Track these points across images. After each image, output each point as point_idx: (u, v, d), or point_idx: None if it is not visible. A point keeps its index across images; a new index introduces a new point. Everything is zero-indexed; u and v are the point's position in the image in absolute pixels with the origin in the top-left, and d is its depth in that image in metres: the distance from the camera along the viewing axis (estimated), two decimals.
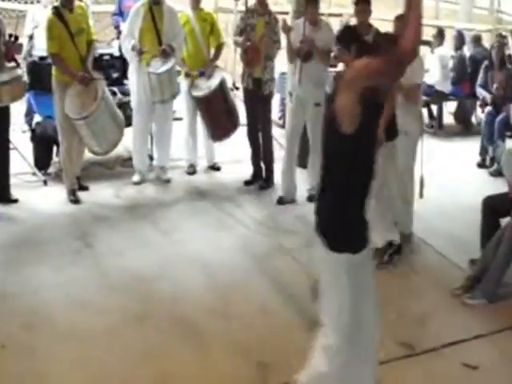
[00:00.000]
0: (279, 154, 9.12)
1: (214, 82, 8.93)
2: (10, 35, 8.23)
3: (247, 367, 5.29)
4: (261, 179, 9.25)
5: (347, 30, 4.97)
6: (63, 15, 8.39)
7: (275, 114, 11.14)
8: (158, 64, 8.73)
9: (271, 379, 5.18)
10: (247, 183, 9.24)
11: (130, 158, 9.52)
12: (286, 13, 10.98)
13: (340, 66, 8.98)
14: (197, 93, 8.99)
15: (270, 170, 9.22)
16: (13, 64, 8.46)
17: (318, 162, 8.29)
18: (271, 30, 8.83)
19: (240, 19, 9.21)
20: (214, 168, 9.80)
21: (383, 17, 12.39)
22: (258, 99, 8.99)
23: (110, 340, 5.63)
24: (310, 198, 8.45)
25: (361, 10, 8.08)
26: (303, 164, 8.92)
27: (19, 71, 8.41)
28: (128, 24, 9.09)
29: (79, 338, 5.62)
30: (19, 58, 9.22)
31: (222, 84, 8.94)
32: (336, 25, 11.17)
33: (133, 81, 9.15)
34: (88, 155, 9.12)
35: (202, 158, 9.81)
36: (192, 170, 9.64)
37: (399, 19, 7.08)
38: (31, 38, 11.40)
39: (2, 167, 8.57)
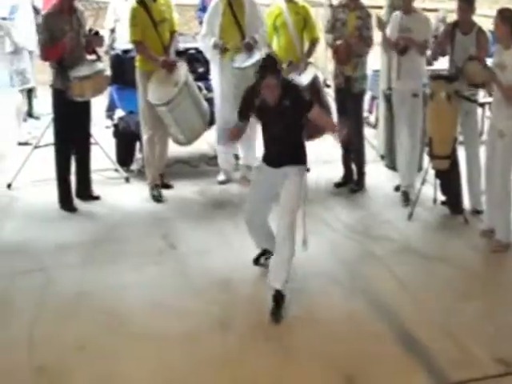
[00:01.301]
0: (371, 155, 9.15)
1: (306, 79, 8.97)
2: (90, 30, 8.48)
3: (331, 377, 5.32)
4: (351, 181, 9.28)
5: None
6: (147, 4, 8.62)
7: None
8: (242, 58, 8.81)
9: None
10: (338, 185, 9.26)
11: (215, 157, 9.64)
12: (380, 7, 10.98)
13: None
14: None
15: (361, 172, 9.23)
16: (94, 57, 8.66)
17: (416, 155, 8.48)
18: (363, 26, 8.79)
19: (330, 14, 9.23)
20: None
21: (485, 13, 12.22)
22: (348, 97, 9.01)
23: (189, 344, 5.73)
24: (405, 197, 8.58)
25: (461, 8, 8.02)
26: (391, 164, 8.90)
27: (101, 65, 8.58)
28: (207, 21, 9.19)
29: (157, 341, 5.75)
30: (100, 51, 9.41)
31: (315, 81, 8.98)
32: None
33: (215, 78, 9.25)
34: (172, 154, 9.29)
35: None
36: None
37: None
38: (113, 31, 11.68)
39: (83, 164, 8.81)
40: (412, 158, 8.67)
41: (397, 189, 8.90)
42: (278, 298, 6.14)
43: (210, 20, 9.10)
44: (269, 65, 6.32)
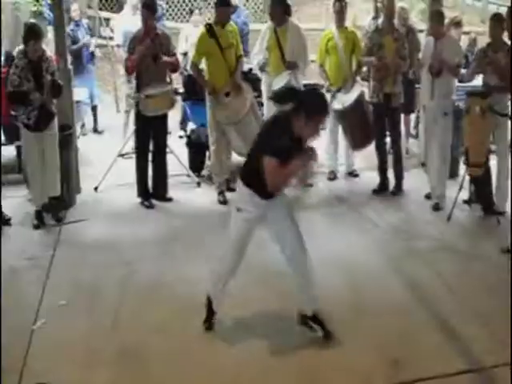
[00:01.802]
0: (411, 163, 9.12)
1: (352, 96, 8.94)
2: (157, 55, 8.54)
3: (379, 362, 5.30)
4: (386, 189, 9.20)
5: None
6: (215, 31, 8.67)
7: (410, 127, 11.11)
8: (279, 81, 8.85)
9: (402, 376, 5.16)
10: (375, 192, 9.21)
11: None
12: (421, 31, 10.94)
13: None
14: (337, 106, 9.06)
15: (400, 177, 9.16)
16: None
17: (445, 171, 8.36)
18: (400, 46, 8.83)
19: (368, 39, 9.22)
20: (353, 175, 9.84)
21: None
22: (387, 112, 9.00)
23: (252, 333, 5.77)
24: (436, 206, 8.47)
25: (492, 27, 8.01)
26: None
27: (169, 86, 8.70)
28: (258, 43, 9.39)
29: (228, 327, 5.83)
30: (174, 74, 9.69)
31: (360, 98, 8.95)
32: (464, 42, 11.04)
33: (264, 95, 9.42)
34: (236, 160, 9.33)
35: (342, 165, 9.87)
36: (333, 176, 9.70)
37: None
38: (185, 54, 11.78)
39: (161, 169, 8.93)
40: (442, 171, 8.59)
41: (427, 197, 8.80)
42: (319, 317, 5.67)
43: (260, 42, 9.32)
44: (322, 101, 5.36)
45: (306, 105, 5.19)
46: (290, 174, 5.24)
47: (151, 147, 8.93)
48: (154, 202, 8.87)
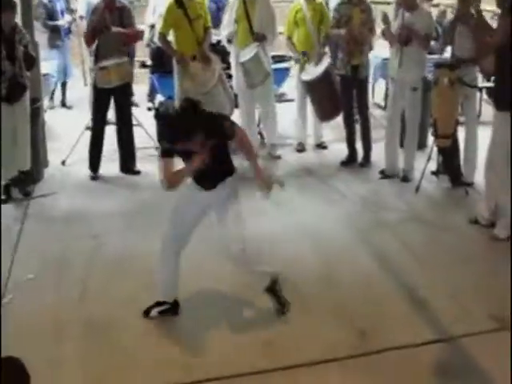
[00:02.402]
0: (380, 134, 9.13)
1: (321, 68, 8.94)
2: (106, 26, 8.46)
3: (348, 332, 5.33)
4: (354, 160, 9.23)
5: None
6: (183, 2, 8.63)
7: (379, 98, 11.12)
8: (246, 53, 8.84)
9: (369, 344, 5.19)
10: (343, 163, 9.22)
11: None
12: (388, 3, 10.92)
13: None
14: (305, 77, 9.05)
15: (368, 149, 9.20)
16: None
17: (414, 144, 8.38)
18: (367, 18, 8.82)
19: (334, 11, 9.18)
20: (321, 146, 9.85)
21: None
22: (354, 84, 8.99)
23: (222, 302, 5.83)
24: (405, 178, 8.49)
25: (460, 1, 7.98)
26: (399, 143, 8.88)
27: (125, 58, 8.62)
28: (227, 15, 9.33)
29: (194, 299, 5.84)
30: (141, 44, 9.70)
31: (329, 70, 8.95)
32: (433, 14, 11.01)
33: (232, 67, 9.38)
34: None
35: (310, 137, 9.86)
36: (301, 148, 9.71)
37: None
38: (152, 26, 11.69)
39: (127, 142, 8.90)
40: (410, 144, 8.62)
41: (382, 172, 8.79)
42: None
43: (228, 14, 9.27)
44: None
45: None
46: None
47: (115, 120, 8.90)
48: (121, 175, 8.83)
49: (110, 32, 8.45)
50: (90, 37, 8.64)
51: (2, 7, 7.61)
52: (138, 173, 8.91)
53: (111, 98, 8.70)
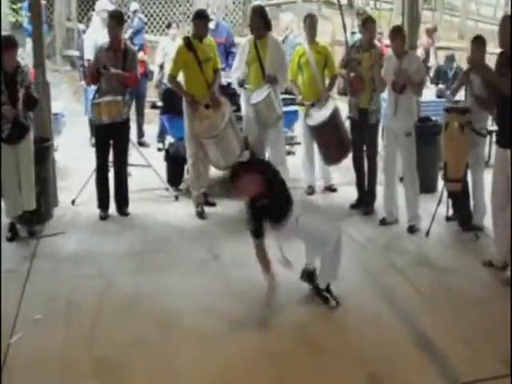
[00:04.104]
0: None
1: (326, 112, 8.97)
2: (104, 67, 8.58)
3: (357, 374, 5.33)
4: (364, 204, 9.17)
5: None
6: (193, 44, 8.72)
7: None
8: (258, 94, 8.91)
9: None
10: (352, 207, 9.19)
11: None
12: None
13: None
14: (311, 122, 9.09)
15: (372, 196, 9.11)
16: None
17: (415, 192, 8.33)
18: (376, 64, 8.69)
19: (346, 54, 9.25)
20: (331, 189, 9.87)
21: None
22: (363, 128, 8.94)
23: (233, 342, 5.79)
24: (411, 229, 8.33)
25: (474, 50, 7.86)
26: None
27: (119, 98, 8.58)
28: (237, 57, 9.41)
29: (206, 339, 5.81)
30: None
31: (335, 113, 8.95)
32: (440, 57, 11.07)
33: (243, 109, 9.37)
34: (214, 174, 9.38)
35: (319, 180, 9.89)
36: (310, 191, 9.72)
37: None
38: (161, 67, 11.82)
39: (118, 182, 8.99)
40: (411, 192, 8.44)
41: (382, 222, 8.65)
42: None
43: (239, 57, 9.29)
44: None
45: None
46: None
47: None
48: (133, 214, 8.93)
49: (109, 73, 8.57)
50: (91, 76, 8.83)
51: (4, 47, 7.69)
52: (126, 215, 8.93)
53: (110, 136, 8.78)
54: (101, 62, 8.59)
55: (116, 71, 8.58)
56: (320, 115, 8.97)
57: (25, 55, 8.59)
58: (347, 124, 9.26)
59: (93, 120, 9.02)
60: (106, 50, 8.70)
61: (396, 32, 8.35)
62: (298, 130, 10.09)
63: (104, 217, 8.83)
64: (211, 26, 9.92)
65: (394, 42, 8.26)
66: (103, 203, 8.89)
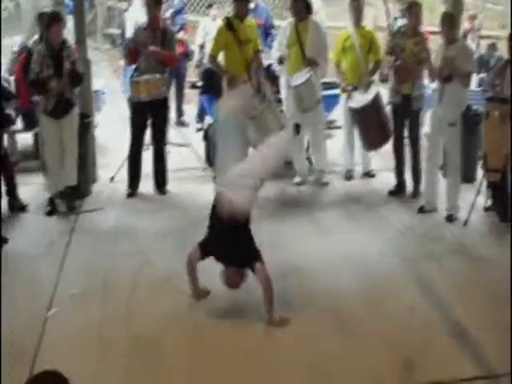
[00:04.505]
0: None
1: (368, 97, 8.93)
2: (143, 45, 8.64)
3: (392, 363, 5.31)
4: (402, 191, 9.13)
5: None
6: (233, 25, 8.70)
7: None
8: (298, 77, 8.88)
9: (414, 376, 5.17)
10: (391, 193, 9.14)
11: (290, 162, 9.68)
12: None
13: None
14: (352, 104, 9.05)
15: (417, 182, 9.04)
16: None
17: (457, 182, 8.24)
18: (420, 51, 8.59)
19: (390, 40, 9.17)
20: (369, 175, 9.83)
21: None
22: (406, 115, 8.88)
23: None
24: (449, 218, 8.23)
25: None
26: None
27: (157, 75, 8.64)
28: (278, 40, 9.41)
29: (240, 318, 5.85)
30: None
31: (377, 98, 8.92)
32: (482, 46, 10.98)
33: (283, 92, 9.40)
34: None
35: (358, 165, 9.86)
36: (349, 176, 9.69)
37: None
38: (202, 47, 11.81)
39: (156, 161, 9.04)
40: (454, 181, 8.34)
41: (421, 209, 8.53)
42: None
43: (280, 39, 9.28)
44: None
45: None
46: None
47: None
48: (170, 193, 8.97)
49: (148, 51, 8.59)
50: (130, 55, 8.89)
51: (51, 21, 7.76)
52: (165, 193, 9.00)
53: (147, 115, 8.82)
54: (140, 41, 8.63)
55: (155, 49, 8.61)
56: (362, 99, 8.92)
57: (66, 32, 8.67)
58: (388, 110, 9.18)
59: (130, 98, 9.04)
60: (144, 29, 8.73)
61: (446, 18, 8.22)
62: (338, 114, 10.03)
63: (130, 194, 8.89)
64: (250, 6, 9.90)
65: (443, 28, 8.14)
66: (133, 181, 8.96)
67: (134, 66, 9.04)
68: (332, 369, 5.25)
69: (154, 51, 8.60)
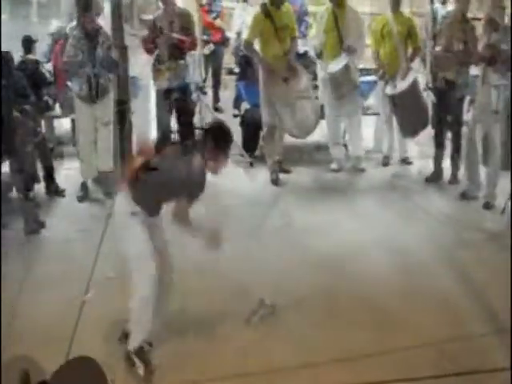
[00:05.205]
0: None
1: (406, 83, 8.86)
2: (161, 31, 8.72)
3: (428, 351, 5.22)
4: (439, 178, 9.07)
5: None
6: (270, 11, 8.65)
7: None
8: (335, 64, 8.80)
9: (451, 366, 5.06)
10: (427, 180, 9.08)
11: (327, 147, 9.65)
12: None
13: None
14: (390, 91, 8.99)
15: (456, 169, 8.97)
16: None
17: (496, 170, 8.10)
18: (469, 38, 8.48)
19: (432, 25, 9.06)
20: (406, 162, 9.75)
21: None
22: (448, 101, 8.78)
23: (303, 310, 5.75)
24: (487, 205, 8.14)
25: None
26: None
27: (179, 62, 8.80)
28: (315, 26, 9.43)
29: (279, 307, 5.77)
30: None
31: (414, 84, 8.85)
32: None
33: (319, 78, 9.39)
34: (288, 141, 9.34)
35: (395, 151, 9.76)
36: (386, 162, 9.64)
37: None
38: (239, 34, 11.76)
39: None
40: (494, 169, 8.23)
41: (462, 196, 8.48)
42: None
43: (318, 25, 9.29)
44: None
45: None
46: None
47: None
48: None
49: (165, 37, 8.63)
50: (147, 43, 8.93)
51: (86, 7, 7.81)
52: None
53: (172, 102, 8.87)
54: (158, 28, 8.64)
55: (172, 35, 8.67)
56: (400, 85, 8.85)
57: (102, 17, 8.70)
58: (426, 96, 9.09)
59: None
60: (162, 15, 8.79)
61: (495, 5, 8.12)
62: (375, 100, 9.95)
63: None
64: None
65: (488, 12, 8.10)
66: None
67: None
68: (366, 355, 5.22)
69: (168, 36, 8.63)
